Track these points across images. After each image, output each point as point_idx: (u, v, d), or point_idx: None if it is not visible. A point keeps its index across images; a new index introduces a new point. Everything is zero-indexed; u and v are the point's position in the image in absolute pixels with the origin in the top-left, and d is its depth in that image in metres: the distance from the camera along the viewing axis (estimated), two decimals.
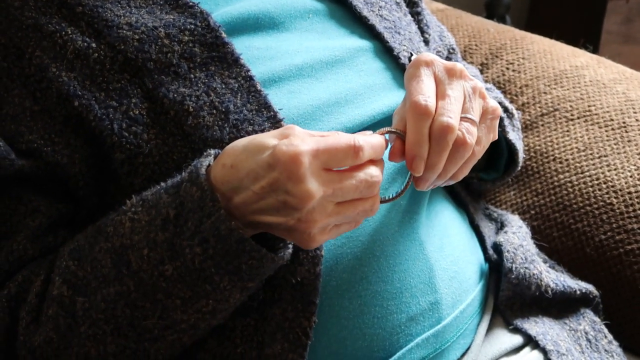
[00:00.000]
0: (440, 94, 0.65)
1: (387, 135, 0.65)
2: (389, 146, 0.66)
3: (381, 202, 0.65)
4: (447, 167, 0.66)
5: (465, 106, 0.66)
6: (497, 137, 0.72)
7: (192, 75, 0.71)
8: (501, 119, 0.88)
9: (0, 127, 0.69)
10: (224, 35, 0.73)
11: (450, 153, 0.65)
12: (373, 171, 0.61)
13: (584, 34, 1.71)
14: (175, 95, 0.69)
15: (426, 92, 0.64)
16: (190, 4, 0.74)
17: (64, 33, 0.70)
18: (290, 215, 0.59)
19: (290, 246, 0.66)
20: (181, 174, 0.64)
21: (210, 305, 0.64)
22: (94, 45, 0.70)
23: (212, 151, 0.64)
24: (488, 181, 0.94)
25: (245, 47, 0.74)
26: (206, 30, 0.73)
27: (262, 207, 0.60)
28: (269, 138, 0.60)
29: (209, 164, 0.63)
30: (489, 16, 1.97)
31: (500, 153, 0.91)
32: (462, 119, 0.66)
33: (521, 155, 0.92)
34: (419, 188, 0.66)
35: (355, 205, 0.61)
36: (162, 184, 0.65)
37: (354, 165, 0.61)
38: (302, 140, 0.59)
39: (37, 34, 0.71)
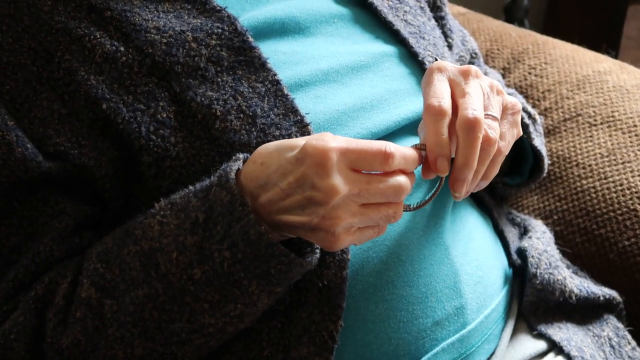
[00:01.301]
0: (459, 94, 0.65)
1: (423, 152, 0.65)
2: None
3: (405, 210, 0.64)
4: (477, 166, 0.65)
5: (485, 103, 0.66)
6: (521, 133, 0.71)
7: (220, 79, 0.71)
8: (526, 125, 0.87)
9: (28, 130, 0.70)
10: (251, 39, 0.73)
11: None
12: (401, 179, 0.61)
13: (603, 39, 1.70)
14: (202, 98, 0.70)
15: (438, 94, 0.64)
16: (218, 8, 0.74)
17: (92, 37, 0.71)
18: (315, 212, 0.59)
19: (318, 251, 0.66)
20: (209, 177, 0.65)
21: (239, 310, 0.64)
22: (122, 49, 0.71)
23: (241, 155, 0.65)
24: (512, 186, 0.94)
25: (271, 51, 0.75)
26: (233, 34, 0.73)
27: (287, 206, 0.60)
28: (300, 140, 0.61)
29: (238, 169, 0.63)
30: (508, 20, 1.97)
31: (525, 159, 0.91)
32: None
33: (546, 161, 0.92)
34: (457, 193, 0.64)
35: (379, 209, 0.61)
36: (191, 187, 0.65)
37: (384, 171, 0.61)
38: (332, 138, 0.59)
39: (66, 38, 0.71)
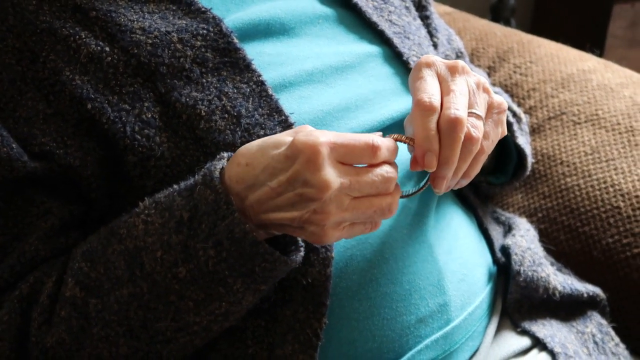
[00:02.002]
0: (444, 91, 0.66)
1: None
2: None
3: (400, 197, 0.65)
4: (459, 164, 0.65)
5: (470, 101, 0.66)
6: (506, 132, 0.71)
7: (204, 80, 0.71)
8: (510, 124, 0.88)
9: (13, 130, 0.70)
10: (236, 40, 0.73)
11: None
12: (388, 168, 0.62)
13: (589, 38, 1.71)
14: (187, 99, 0.70)
15: (429, 90, 0.65)
16: (203, 9, 0.75)
17: (77, 37, 0.71)
18: (306, 207, 0.59)
19: (302, 249, 0.66)
20: (194, 176, 0.65)
21: (223, 308, 0.65)
22: (107, 49, 0.71)
23: (225, 154, 0.65)
24: (497, 185, 0.94)
25: (256, 53, 0.75)
26: (218, 35, 0.73)
27: (277, 204, 0.60)
28: (284, 136, 0.61)
29: (223, 167, 0.64)
30: (494, 19, 1.98)
31: (509, 157, 0.91)
32: (467, 114, 0.66)
33: (530, 160, 0.92)
34: (437, 189, 0.65)
35: (371, 201, 0.61)
36: (175, 186, 0.65)
37: (370, 164, 0.61)
38: (321, 133, 0.59)
39: (51, 38, 0.71)
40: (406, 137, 0.65)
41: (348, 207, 0.60)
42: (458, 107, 0.64)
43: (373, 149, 0.60)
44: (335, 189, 0.59)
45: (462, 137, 0.63)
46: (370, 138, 0.61)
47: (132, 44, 0.71)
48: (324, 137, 0.59)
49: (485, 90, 0.69)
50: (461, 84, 0.66)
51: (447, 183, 0.65)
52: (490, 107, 0.69)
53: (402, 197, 0.66)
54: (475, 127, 0.65)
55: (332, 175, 0.59)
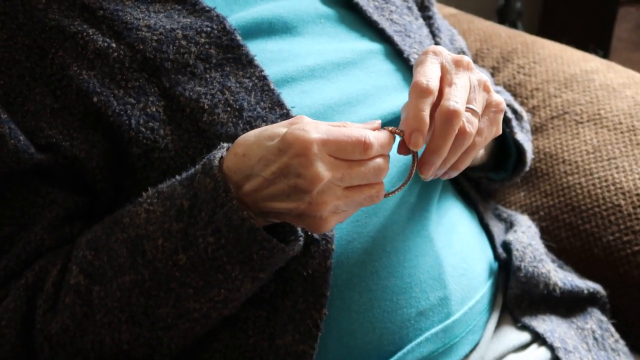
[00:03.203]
0: (447, 82, 0.67)
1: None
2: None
3: (385, 195, 0.66)
4: (448, 155, 0.66)
5: (470, 96, 0.67)
6: (500, 132, 0.72)
7: (208, 75, 0.73)
8: (509, 120, 0.89)
9: (21, 124, 0.72)
10: (239, 37, 0.75)
11: None
12: (380, 161, 0.63)
13: (595, 41, 1.72)
14: (191, 93, 0.72)
15: (429, 74, 0.65)
16: (207, 8, 0.76)
17: (85, 34, 0.73)
18: (301, 199, 0.61)
19: (302, 239, 0.67)
20: (195, 167, 0.66)
21: (222, 295, 0.66)
22: (113, 45, 0.73)
23: (225, 145, 0.66)
24: (497, 181, 0.95)
25: (259, 50, 0.77)
26: (222, 32, 0.75)
27: (272, 193, 0.62)
28: (279, 127, 0.63)
29: (222, 157, 0.65)
30: (501, 22, 1.99)
31: (509, 154, 0.92)
32: (465, 108, 0.66)
33: (529, 155, 0.93)
34: (423, 175, 0.66)
35: (362, 190, 0.63)
36: (177, 176, 0.67)
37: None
38: (314, 128, 0.60)
39: (59, 35, 0.73)
40: (401, 130, 0.66)
41: (341, 196, 0.62)
42: (457, 100, 0.65)
43: (365, 146, 0.61)
44: (326, 181, 0.60)
45: (456, 130, 0.64)
46: (363, 135, 0.61)
47: (138, 40, 0.73)
48: (316, 134, 0.60)
49: (486, 89, 0.70)
50: (463, 78, 0.67)
51: (434, 170, 0.66)
52: (488, 106, 0.70)
53: (386, 195, 0.66)
54: (470, 123, 0.66)
55: (322, 168, 0.60)
